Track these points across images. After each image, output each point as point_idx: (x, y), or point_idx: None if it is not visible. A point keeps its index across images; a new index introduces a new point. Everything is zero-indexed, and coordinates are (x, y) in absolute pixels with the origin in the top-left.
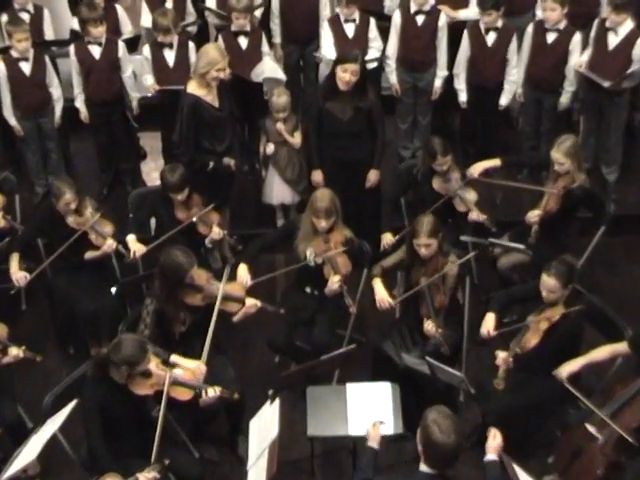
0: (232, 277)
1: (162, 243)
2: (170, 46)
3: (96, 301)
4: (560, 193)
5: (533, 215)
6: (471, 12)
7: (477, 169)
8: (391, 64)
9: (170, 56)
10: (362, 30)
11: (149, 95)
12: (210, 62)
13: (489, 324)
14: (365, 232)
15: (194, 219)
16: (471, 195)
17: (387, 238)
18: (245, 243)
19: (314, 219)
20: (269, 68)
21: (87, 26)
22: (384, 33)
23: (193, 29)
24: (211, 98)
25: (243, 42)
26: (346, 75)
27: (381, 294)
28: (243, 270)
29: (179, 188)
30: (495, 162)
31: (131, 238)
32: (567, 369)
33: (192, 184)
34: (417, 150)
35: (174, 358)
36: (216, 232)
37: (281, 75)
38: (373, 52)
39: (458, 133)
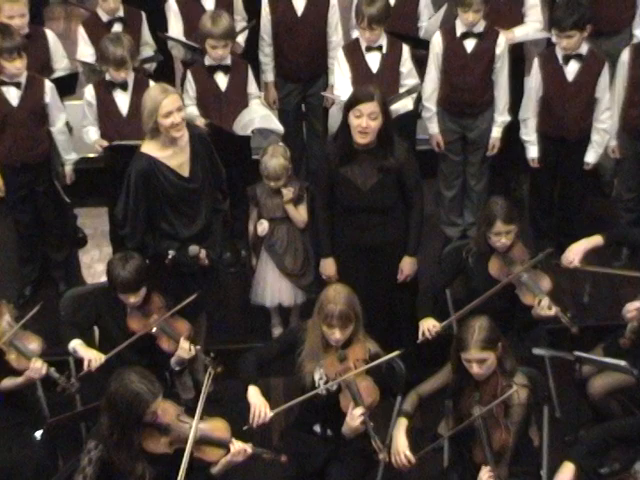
0: (210, 410)
1: (111, 363)
2: (123, 86)
3: (13, 450)
4: None
5: (632, 307)
6: (530, 29)
7: (577, 253)
8: (431, 107)
9: (123, 100)
10: (391, 61)
11: (92, 156)
12: (151, 108)
13: (565, 478)
14: (397, 344)
15: (153, 330)
16: (544, 283)
17: (428, 323)
18: (229, 363)
19: (324, 328)
20: (260, 116)
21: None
22: (421, 65)
23: (151, 66)
24: (177, 163)
25: (222, 80)
26: (361, 121)
27: (398, 444)
28: (256, 396)
29: (133, 287)
30: (596, 240)
31: (78, 343)
32: None
33: (152, 281)
34: (469, 228)
35: None
36: (184, 348)
37: (276, 125)
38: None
39: (527, 202)
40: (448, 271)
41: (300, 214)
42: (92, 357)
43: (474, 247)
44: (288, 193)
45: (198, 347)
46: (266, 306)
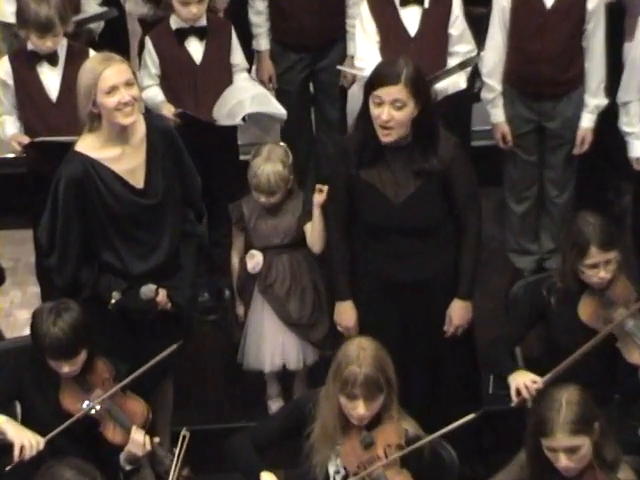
0: None
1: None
2: (52, 59)
3: None
4: None
5: None
6: None
7: None
8: (494, 86)
9: (52, 79)
10: (436, 20)
11: (9, 157)
12: (88, 84)
13: None
14: (443, 423)
15: (92, 411)
16: None
17: (524, 378)
18: (208, 450)
19: (343, 400)
20: (251, 96)
21: None
22: (480, 27)
23: (96, 26)
24: (127, 167)
25: (196, 49)
26: (381, 111)
27: None
28: None
29: (66, 353)
30: None
31: (4, 421)
32: None
33: (94, 340)
34: (548, 257)
35: None
36: (137, 442)
37: (275, 108)
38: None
39: (630, 220)
40: (523, 317)
41: (314, 236)
42: (27, 441)
43: (558, 283)
44: (321, 193)
45: (157, 439)
46: (261, 371)
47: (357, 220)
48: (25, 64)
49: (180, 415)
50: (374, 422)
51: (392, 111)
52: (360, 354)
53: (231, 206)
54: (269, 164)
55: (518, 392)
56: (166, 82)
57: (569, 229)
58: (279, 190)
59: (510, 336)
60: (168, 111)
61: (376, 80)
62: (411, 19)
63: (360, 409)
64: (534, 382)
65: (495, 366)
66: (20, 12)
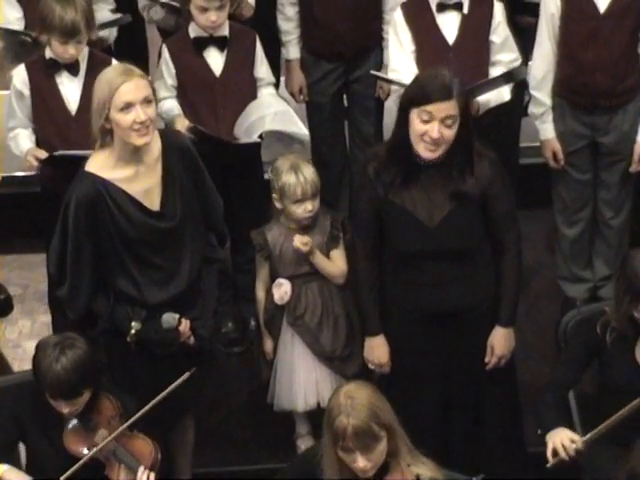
0: None
1: None
2: (72, 68)
3: None
4: None
5: None
6: None
7: None
8: (542, 99)
9: (72, 90)
10: (476, 26)
11: (22, 175)
12: (103, 97)
13: None
14: (487, 471)
15: (101, 455)
16: None
17: (562, 436)
18: None
19: (341, 454)
20: (273, 113)
21: None
22: (526, 35)
23: (108, 34)
24: (142, 188)
25: (216, 60)
26: (430, 128)
27: None
28: None
29: (67, 393)
30: None
31: (6, 470)
32: None
33: (97, 379)
34: (603, 284)
35: None
36: None
37: (297, 128)
38: (501, 72)
39: None
40: (577, 358)
41: (337, 264)
42: None
43: (613, 322)
44: (304, 243)
45: None
46: (294, 410)
47: (386, 247)
48: (43, 73)
49: (202, 456)
50: (382, 470)
51: (443, 129)
52: (348, 402)
53: (253, 233)
54: (303, 168)
55: (555, 452)
56: (183, 95)
57: (622, 270)
58: (318, 192)
59: (564, 381)
60: (181, 125)
61: (423, 95)
62: (449, 26)
63: (359, 462)
64: (572, 441)
65: (538, 418)
66: (43, 16)
